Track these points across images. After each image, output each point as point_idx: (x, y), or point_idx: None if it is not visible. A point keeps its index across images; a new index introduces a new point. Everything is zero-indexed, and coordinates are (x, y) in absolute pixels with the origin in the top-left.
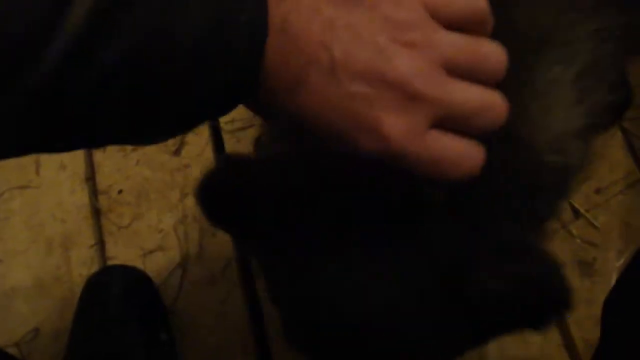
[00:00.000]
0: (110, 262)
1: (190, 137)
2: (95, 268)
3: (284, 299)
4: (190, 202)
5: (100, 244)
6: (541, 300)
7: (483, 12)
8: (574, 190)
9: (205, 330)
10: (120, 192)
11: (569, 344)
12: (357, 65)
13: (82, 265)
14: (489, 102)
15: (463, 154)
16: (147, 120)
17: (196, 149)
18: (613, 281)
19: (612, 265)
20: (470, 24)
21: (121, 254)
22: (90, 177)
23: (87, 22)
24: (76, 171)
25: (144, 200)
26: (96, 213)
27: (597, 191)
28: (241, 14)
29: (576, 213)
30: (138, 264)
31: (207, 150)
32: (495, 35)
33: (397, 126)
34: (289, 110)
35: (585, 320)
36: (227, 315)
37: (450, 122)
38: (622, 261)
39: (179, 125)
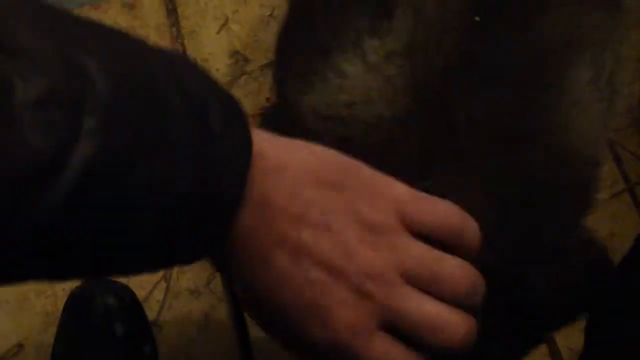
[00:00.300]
0: None
1: None
2: (78, 282)
3: None
4: None
5: None
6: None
7: (456, 225)
8: None
9: (189, 343)
10: None
11: (554, 353)
12: (321, 254)
13: None
14: (442, 319)
15: None
16: (126, 263)
17: None
18: None
19: None
20: (442, 235)
21: None
22: None
23: (79, 181)
24: None
25: None
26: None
27: None
28: (221, 181)
29: None
30: (121, 277)
31: None
32: (522, 46)
33: (344, 320)
34: (253, 281)
35: (570, 329)
36: (212, 328)
37: (401, 329)
38: None
39: (150, 268)
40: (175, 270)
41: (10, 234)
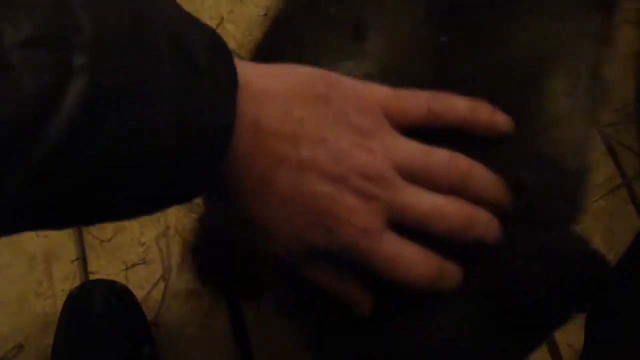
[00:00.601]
0: (92, 277)
1: None
2: (77, 283)
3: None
4: (172, 214)
5: (83, 258)
6: (584, 278)
7: (438, 110)
8: None
9: (188, 343)
10: None
11: (553, 349)
12: (322, 166)
13: (64, 280)
14: (442, 209)
15: (415, 260)
16: (122, 203)
17: None
18: None
19: None
20: (427, 121)
21: (103, 268)
22: None
23: (74, 120)
24: None
25: None
26: (78, 227)
27: None
28: (211, 113)
29: None
30: (120, 277)
31: None
32: (493, 62)
33: (355, 225)
34: (253, 205)
35: (568, 325)
36: (211, 327)
37: (408, 224)
38: None
39: (148, 208)
40: (174, 270)
41: (5, 177)
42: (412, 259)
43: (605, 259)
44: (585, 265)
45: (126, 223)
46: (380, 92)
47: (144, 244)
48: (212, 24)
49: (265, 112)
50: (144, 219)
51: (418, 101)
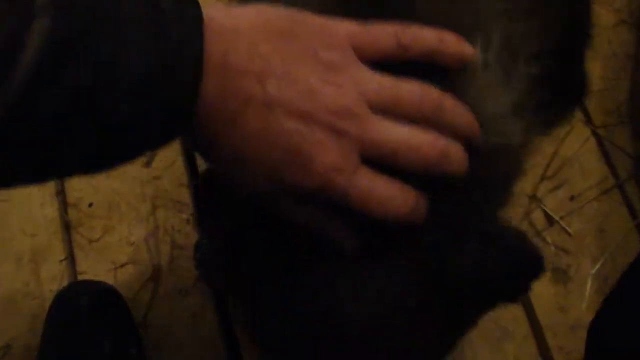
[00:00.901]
0: (80, 277)
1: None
2: (65, 283)
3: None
4: (162, 214)
5: (71, 258)
6: (518, 267)
7: (404, 42)
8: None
9: (177, 343)
10: (90, 205)
11: (544, 352)
12: (290, 103)
13: (52, 281)
14: (415, 140)
15: (390, 194)
16: (98, 148)
17: (167, 160)
18: (588, 288)
19: (586, 273)
20: (393, 54)
21: (92, 268)
22: (60, 190)
23: (46, 53)
24: (46, 184)
25: (114, 213)
26: (66, 227)
27: (571, 198)
28: (181, 50)
29: (550, 220)
30: (109, 277)
31: (179, 162)
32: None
33: (327, 162)
34: (224, 144)
35: (560, 327)
36: (199, 328)
37: (380, 159)
38: (596, 268)
39: (123, 155)
40: (163, 270)
41: None
42: (387, 194)
43: (541, 253)
44: (521, 254)
45: (115, 223)
46: (347, 27)
47: (132, 243)
48: None
49: (232, 51)
50: (133, 219)
51: (386, 34)
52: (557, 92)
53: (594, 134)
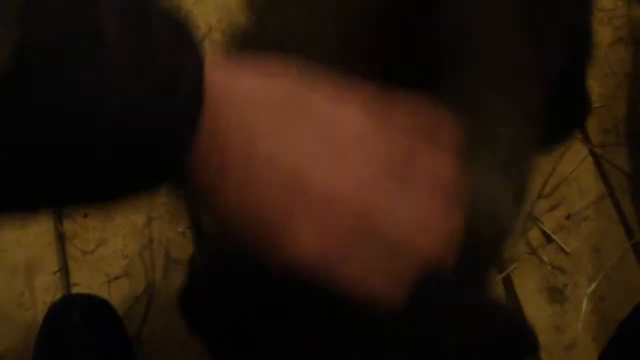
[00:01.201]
0: (75, 289)
1: None
2: (59, 295)
3: None
4: (156, 227)
5: (65, 270)
6: (515, 347)
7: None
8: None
9: (171, 358)
10: (85, 216)
11: None
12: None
13: (46, 292)
14: None
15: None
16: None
17: None
18: (584, 307)
19: (583, 292)
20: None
21: (86, 280)
22: None
23: None
24: None
25: (109, 225)
26: (61, 238)
27: (568, 217)
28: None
29: (547, 239)
30: (103, 290)
31: None
32: None
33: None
34: (213, 204)
35: (555, 347)
36: (193, 343)
37: None
38: (592, 287)
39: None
40: (158, 284)
41: None
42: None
43: (534, 332)
44: (516, 332)
45: (110, 235)
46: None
47: (127, 256)
48: (200, 34)
49: (224, 118)
50: (128, 232)
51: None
52: (560, 114)
53: (592, 152)
